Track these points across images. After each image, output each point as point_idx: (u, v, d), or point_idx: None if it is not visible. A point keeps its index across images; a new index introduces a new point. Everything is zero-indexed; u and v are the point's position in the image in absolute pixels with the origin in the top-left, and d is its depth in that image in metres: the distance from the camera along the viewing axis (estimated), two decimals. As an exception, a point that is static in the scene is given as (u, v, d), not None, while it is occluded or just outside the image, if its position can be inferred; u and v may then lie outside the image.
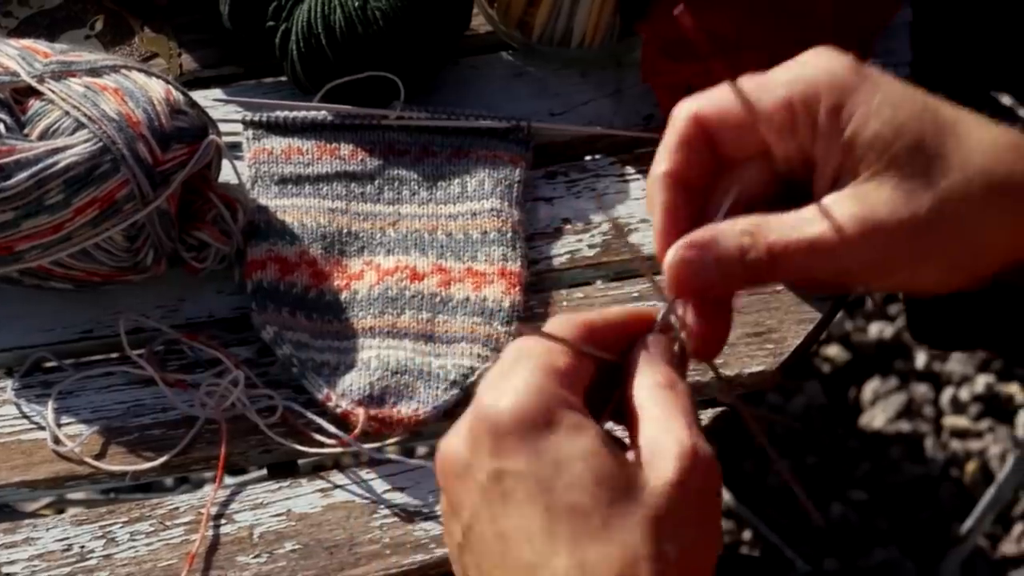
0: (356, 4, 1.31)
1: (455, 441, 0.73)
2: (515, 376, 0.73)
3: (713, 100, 0.78)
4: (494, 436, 0.71)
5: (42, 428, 1.20)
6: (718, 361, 0.80)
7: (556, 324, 0.76)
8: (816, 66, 0.77)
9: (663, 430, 0.72)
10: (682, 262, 0.76)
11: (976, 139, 0.76)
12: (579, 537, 0.69)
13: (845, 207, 0.75)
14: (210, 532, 1.16)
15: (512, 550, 0.70)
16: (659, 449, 0.71)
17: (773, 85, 0.77)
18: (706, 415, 1.20)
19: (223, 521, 1.16)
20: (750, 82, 0.77)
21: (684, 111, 0.79)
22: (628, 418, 0.74)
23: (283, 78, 1.39)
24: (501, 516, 0.71)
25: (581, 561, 0.69)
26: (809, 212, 0.76)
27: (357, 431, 1.17)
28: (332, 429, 1.18)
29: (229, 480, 1.20)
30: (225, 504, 1.17)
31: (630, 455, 0.72)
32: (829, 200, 0.76)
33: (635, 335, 0.77)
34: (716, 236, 0.76)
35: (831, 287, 0.81)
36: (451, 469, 0.73)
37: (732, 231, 0.76)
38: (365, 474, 1.19)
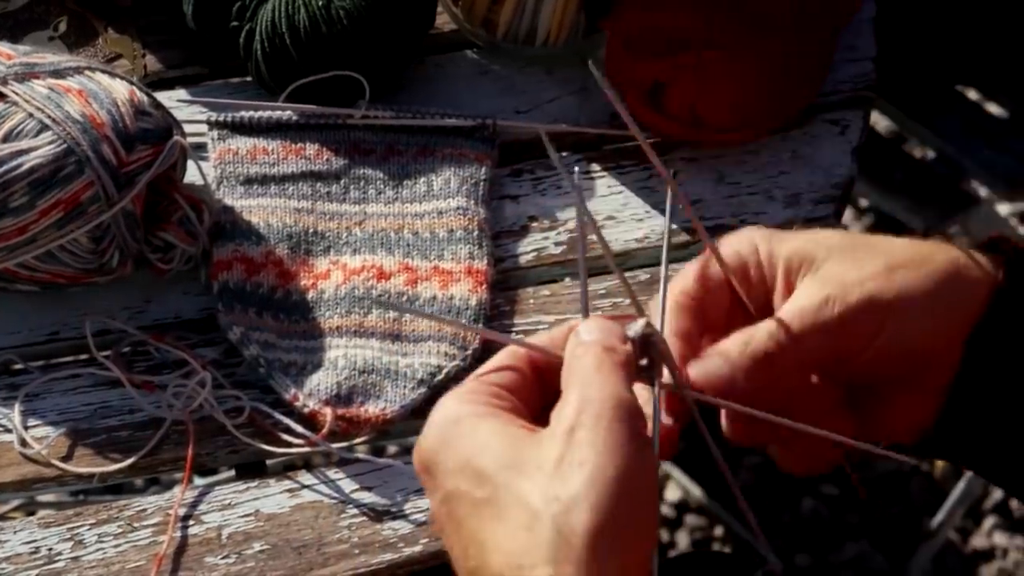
0: (320, 3, 1.31)
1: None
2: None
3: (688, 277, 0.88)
4: (425, 467, 0.78)
5: (9, 431, 1.20)
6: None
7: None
8: (743, 233, 0.89)
9: (564, 389, 0.76)
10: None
11: (890, 240, 0.87)
12: (498, 528, 0.73)
13: (803, 292, 0.85)
14: (178, 533, 1.15)
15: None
16: (558, 410, 0.75)
17: (724, 246, 0.88)
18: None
19: (191, 522, 1.16)
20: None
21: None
22: None
23: (248, 78, 1.39)
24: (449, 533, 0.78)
25: (512, 549, 0.72)
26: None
27: (325, 431, 1.17)
28: (300, 429, 1.18)
29: (198, 481, 1.20)
30: (193, 505, 1.17)
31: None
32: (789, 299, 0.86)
33: None
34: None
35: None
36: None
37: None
38: (333, 474, 1.19)
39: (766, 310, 0.87)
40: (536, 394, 0.80)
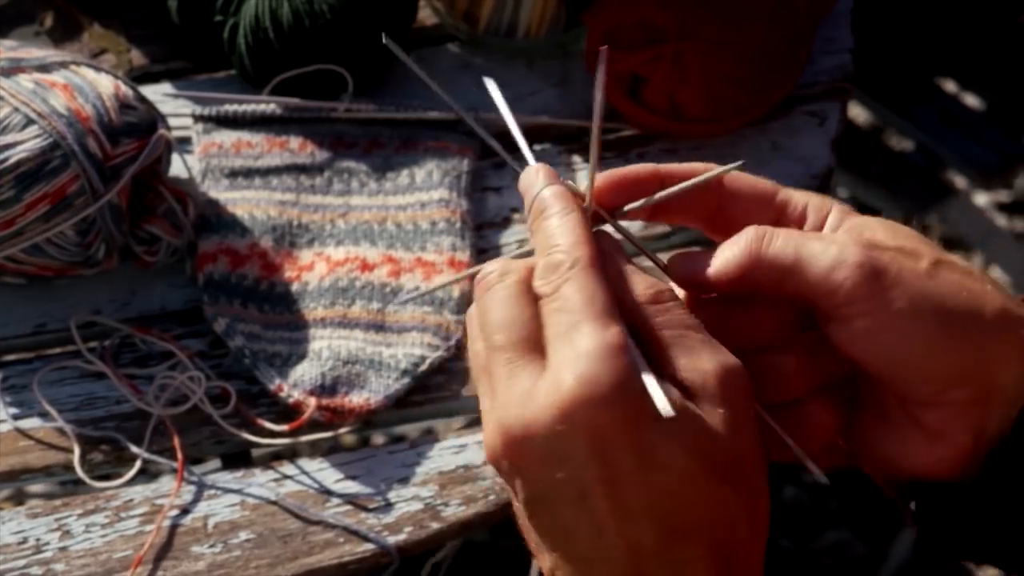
0: (303, -2, 1.32)
1: (546, 421, 0.68)
2: (585, 344, 0.69)
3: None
4: (599, 434, 0.67)
5: (-4, 422, 1.21)
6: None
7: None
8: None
9: (681, 366, 0.70)
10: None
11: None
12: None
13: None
14: (165, 523, 1.16)
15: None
16: (695, 382, 0.69)
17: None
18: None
19: (177, 512, 1.17)
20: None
21: None
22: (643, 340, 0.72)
23: (232, 72, 1.40)
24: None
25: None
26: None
27: (304, 418, 1.18)
28: (276, 426, 1.19)
29: (185, 475, 1.21)
30: (179, 495, 1.18)
31: (673, 391, 0.69)
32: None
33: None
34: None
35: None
36: (537, 451, 0.68)
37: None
38: (318, 463, 1.20)
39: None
40: None
